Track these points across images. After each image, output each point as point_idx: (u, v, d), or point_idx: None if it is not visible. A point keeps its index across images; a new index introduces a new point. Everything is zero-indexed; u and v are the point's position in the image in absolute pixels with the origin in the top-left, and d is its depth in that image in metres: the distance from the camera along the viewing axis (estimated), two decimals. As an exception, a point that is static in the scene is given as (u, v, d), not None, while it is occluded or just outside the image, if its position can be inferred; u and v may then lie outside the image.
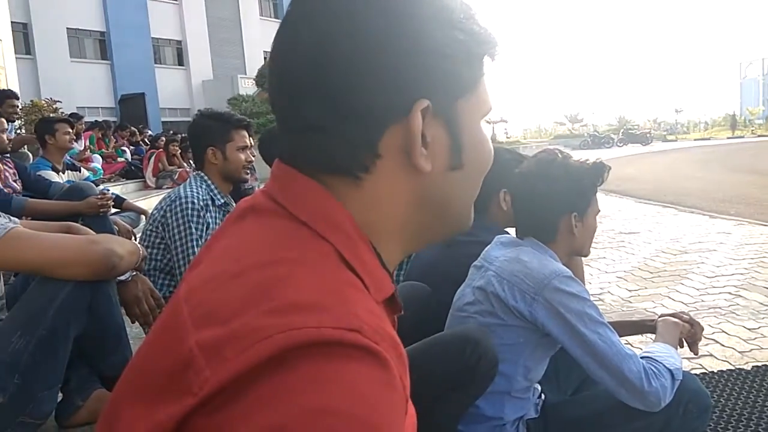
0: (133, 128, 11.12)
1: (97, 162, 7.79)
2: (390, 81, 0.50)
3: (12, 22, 11.17)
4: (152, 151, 9.12)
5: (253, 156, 2.45)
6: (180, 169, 8.72)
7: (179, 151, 9.07)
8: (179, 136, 9.54)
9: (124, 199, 4.34)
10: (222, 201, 2.33)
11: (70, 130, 4.40)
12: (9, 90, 6.12)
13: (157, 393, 0.45)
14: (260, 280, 0.46)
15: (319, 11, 0.52)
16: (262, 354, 0.40)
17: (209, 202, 2.27)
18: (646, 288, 3.83)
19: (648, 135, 33.69)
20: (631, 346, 2.50)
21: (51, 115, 9.10)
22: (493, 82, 0.59)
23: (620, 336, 1.43)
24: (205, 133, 2.31)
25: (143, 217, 4.44)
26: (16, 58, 11.14)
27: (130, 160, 9.23)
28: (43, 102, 9.97)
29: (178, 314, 0.48)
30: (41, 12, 22.30)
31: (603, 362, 1.38)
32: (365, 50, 0.50)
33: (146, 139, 11.00)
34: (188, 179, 2.35)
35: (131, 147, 10.01)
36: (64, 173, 4.26)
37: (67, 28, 23.78)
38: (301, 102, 0.52)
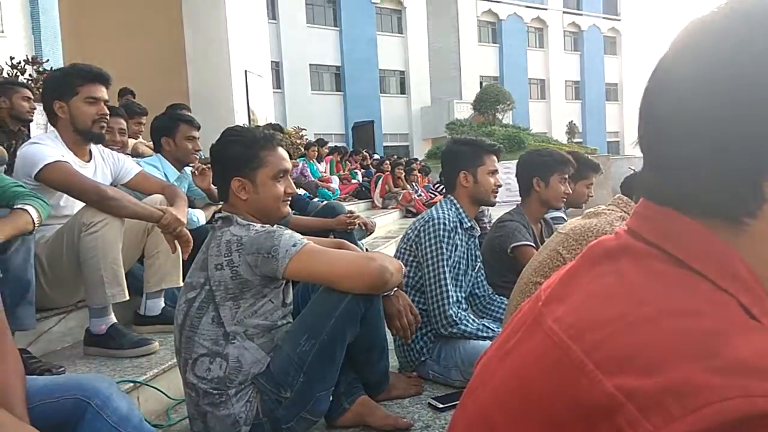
0: (364, 153, 12.15)
1: (335, 183, 8.65)
2: None
3: (271, 61, 13.09)
4: (379, 174, 9.83)
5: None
6: (404, 191, 9.25)
7: (403, 174, 9.65)
8: (403, 160, 10.12)
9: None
10: (469, 224, 2.38)
11: None
12: (277, 124, 7.22)
13: (562, 428, 0.46)
14: (683, 331, 0.43)
15: (695, 44, 0.49)
16: (719, 417, 0.38)
17: (458, 225, 2.33)
18: None
19: None
20: None
21: (297, 141, 10.41)
22: None
23: None
24: (458, 158, 2.39)
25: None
26: (273, 92, 12.98)
27: (361, 181, 10.08)
28: (291, 130, 11.41)
29: (565, 351, 0.48)
30: (290, 51, 25.82)
31: None
32: (747, 82, 0.45)
33: (372, 163, 11.92)
34: (439, 202, 2.44)
35: (362, 170, 10.93)
36: None
37: (310, 65, 27.11)
38: (674, 137, 0.50)
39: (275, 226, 1.72)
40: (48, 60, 5.57)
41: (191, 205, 2.98)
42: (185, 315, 1.66)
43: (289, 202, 1.81)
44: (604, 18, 36.65)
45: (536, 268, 1.80)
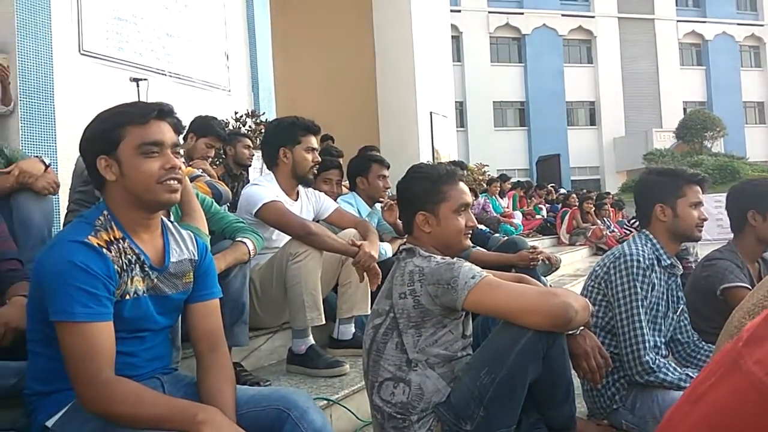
0: (549, 187, 11.80)
1: (518, 218, 8.50)
2: None
3: (454, 101, 13.49)
4: (565, 208, 9.42)
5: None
6: (594, 227, 8.73)
7: (593, 208, 9.12)
8: (593, 194, 9.59)
9: None
10: (668, 262, 2.17)
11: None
12: (460, 160, 7.44)
13: None
14: None
15: None
16: None
17: (655, 262, 2.14)
18: None
19: None
20: None
21: (479, 177, 10.48)
22: None
23: None
24: (654, 190, 2.22)
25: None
26: (456, 131, 13.33)
27: (545, 217, 9.75)
28: (474, 166, 11.53)
29: (765, 394, 0.45)
30: (474, 91, 26.36)
31: None
32: None
33: (558, 197, 11.50)
34: (632, 237, 2.28)
35: (547, 205, 10.59)
36: None
37: (493, 102, 27.32)
38: None
39: (455, 258, 1.76)
40: (264, 113, 6.43)
41: (380, 239, 3.18)
42: (372, 340, 1.77)
43: (469, 236, 1.85)
44: (843, 26, 31.19)
45: (748, 310, 1.57)
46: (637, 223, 2.40)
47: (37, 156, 2.42)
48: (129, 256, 1.40)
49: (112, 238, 1.39)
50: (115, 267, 1.36)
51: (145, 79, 4.91)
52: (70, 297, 1.28)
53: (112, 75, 5.17)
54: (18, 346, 1.54)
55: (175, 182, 1.42)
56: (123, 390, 1.28)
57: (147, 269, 1.44)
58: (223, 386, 1.44)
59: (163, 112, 1.45)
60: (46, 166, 2.35)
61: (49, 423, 1.34)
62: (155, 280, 1.45)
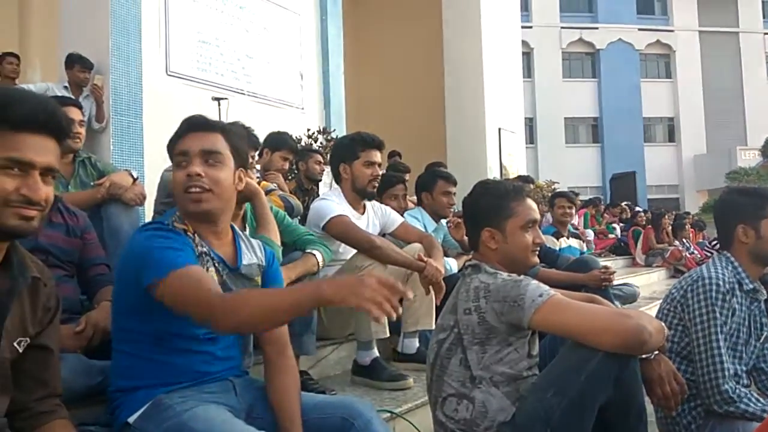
0: (623, 205, 11.34)
1: (590, 237, 8.21)
2: None
3: (524, 117, 13.30)
4: (636, 227, 9.02)
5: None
6: (672, 247, 8.31)
7: (670, 227, 8.69)
8: (672, 213, 9.14)
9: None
10: (751, 286, 2.06)
11: (569, 206, 4.82)
12: (528, 175, 7.35)
13: None
14: None
15: None
16: None
17: (735, 286, 2.03)
18: None
19: None
20: None
21: (548, 194, 10.22)
22: None
23: None
24: (735, 210, 2.11)
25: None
26: (525, 147, 13.10)
27: (619, 236, 9.38)
28: (543, 183, 11.28)
29: None
30: (544, 106, 25.85)
31: None
32: None
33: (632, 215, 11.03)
34: (712, 259, 2.17)
35: (621, 224, 10.17)
36: (568, 239, 4.67)
37: (564, 118, 26.68)
38: None
39: (522, 276, 1.74)
40: (335, 130, 6.60)
41: (445, 254, 3.18)
42: (436, 355, 1.77)
43: (537, 252, 1.83)
44: None
45: None
46: (719, 244, 2.28)
47: (126, 169, 2.61)
48: (202, 249, 1.50)
49: (188, 230, 1.50)
50: (194, 249, 1.47)
51: (225, 99, 5.18)
52: (163, 254, 1.38)
53: (195, 94, 5.48)
54: (105, 347, 1.66)
55: (196, 189, 1.47)
56: (235, 297, 1.36)
57: (218, 265, 1.53)
58: (289, 388, 1.54)
59: (192, 125, 1.56)
60: (135, 179, 2.53)
61: (131, 419, 1.43)
62: (225, 277, 1.54)
